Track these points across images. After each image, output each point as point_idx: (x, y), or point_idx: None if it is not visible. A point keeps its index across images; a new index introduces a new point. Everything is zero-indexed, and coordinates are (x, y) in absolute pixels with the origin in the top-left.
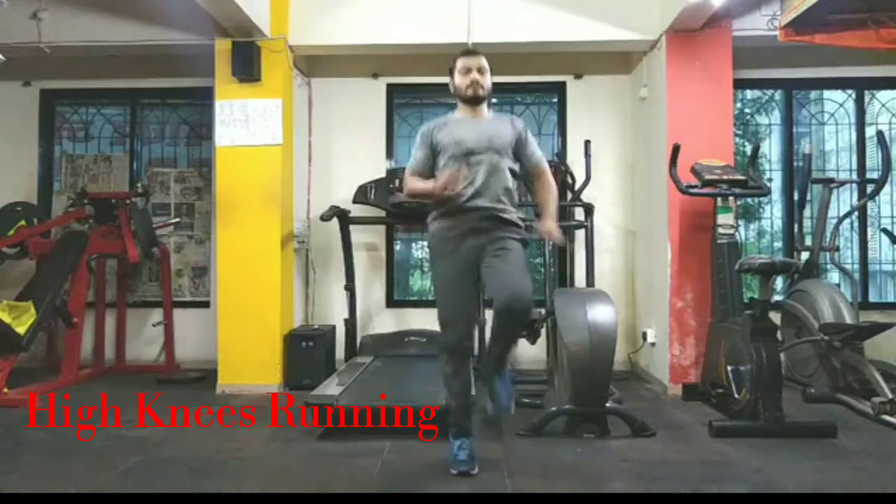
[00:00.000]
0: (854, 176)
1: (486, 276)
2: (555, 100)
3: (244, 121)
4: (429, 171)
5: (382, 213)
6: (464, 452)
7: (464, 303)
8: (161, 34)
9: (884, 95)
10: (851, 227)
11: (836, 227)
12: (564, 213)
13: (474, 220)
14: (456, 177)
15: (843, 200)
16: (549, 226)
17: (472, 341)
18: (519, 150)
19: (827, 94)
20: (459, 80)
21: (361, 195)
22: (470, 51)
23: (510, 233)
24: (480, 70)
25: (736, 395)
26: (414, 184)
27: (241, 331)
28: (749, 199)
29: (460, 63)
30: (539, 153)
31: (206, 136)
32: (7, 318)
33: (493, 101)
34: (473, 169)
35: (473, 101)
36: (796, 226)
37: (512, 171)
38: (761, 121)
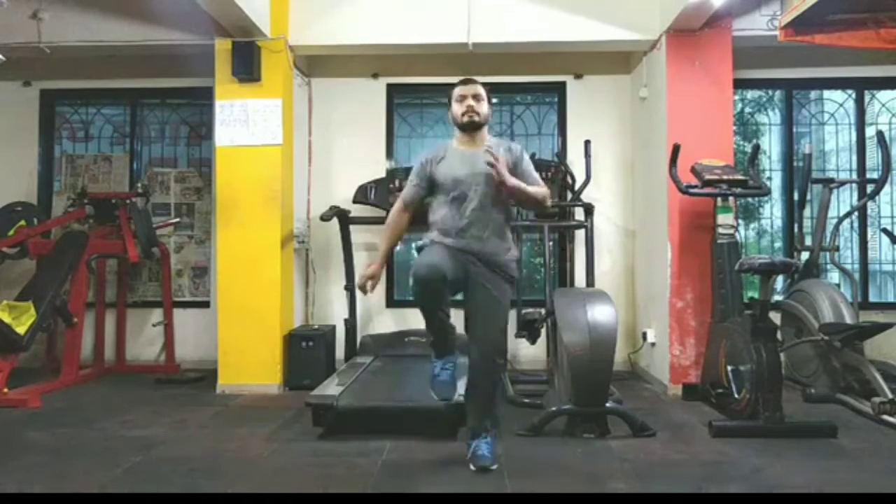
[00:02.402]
0: (854, 176)
1: (468, 307)
2: (555, 100)
3: (244, 121)
4: (420, 202)
5: (382, 213)
6: (446, 373)
7: (444, 258)
8: (161, 34)
9: (884, 95)
10: (851, 227)
11: (836, 227)
12: (564, 213)
13: (466, 255)
14: (369, 284)
15: (843, 200)
16: (505, 173)
17: (446, 273)
18: (516, 176)
19: (827, 94)
20: (455, 108)
21: (361, 195)
22: (466, 79)
23: (500, 272)
24: (476, 97)
25: (736, 395)
26: (386, 227)
27: (241, 331)
28: (749, 199)
29: (456, 91)
30: (535, 176)
31: (206, 136)
32: (7, 318)
33: (494, 100)
34: (467, 208)
35: (470, 128)
36: (796, 226)
37: (507, 204)
38: (761, 121)
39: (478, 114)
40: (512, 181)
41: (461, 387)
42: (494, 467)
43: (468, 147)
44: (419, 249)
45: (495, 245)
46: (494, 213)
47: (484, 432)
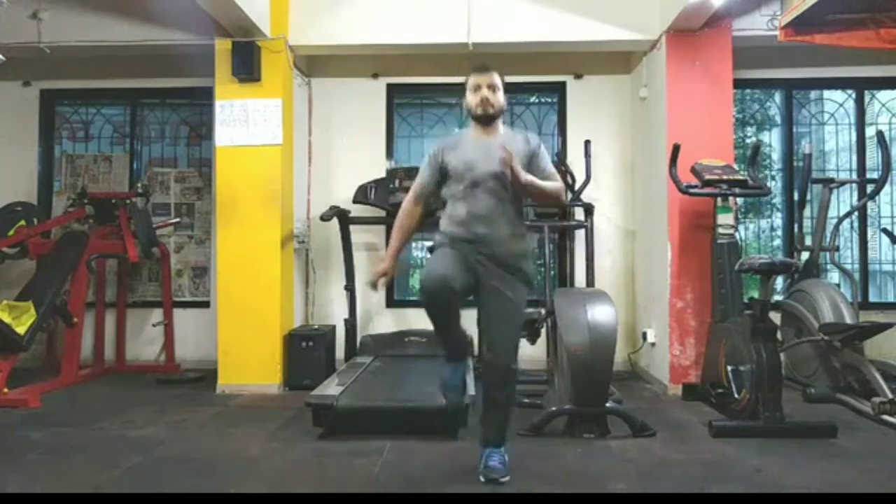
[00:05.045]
0: (854, 176)
1: (481, 310)
2: (555, 100)
3: (244, 121)
4: (433, 192)
5: (382, 213)
6: (456, 377)
7: (453, 266)
8: (161, 34)
9: (884, 95)
10: (851, 227)
11: (836, 227)
12: (564, 213)
13: (480, 250)
14: (381, 282)
15: (843, 200)
16: (518, 168)
17: (454, 286)
18: (532, 168)
19: (827, 94)
20: (470, 98)
21: (361, 195)
22: (481, 67)
23: (515, 273)
24: (491, 87)
25: (736, 395)
26: (396, 225)
27: (241, 331)
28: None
29: (471, 80)
30: (551, 168)
31: (206, 136)
32: (7, 318)
33: None
34: (481, 196)
35: (484, 120)
36: (796, 226)
37: (521, 196)
38: (761, 121)
39: (492, 105)
40: (525, 177)
41: (471, 387)
42: (505, 480)
43: (483, 136)
44: (431, 249)
45: (507, 240)
46: (508, 203)
47: (499, 443)
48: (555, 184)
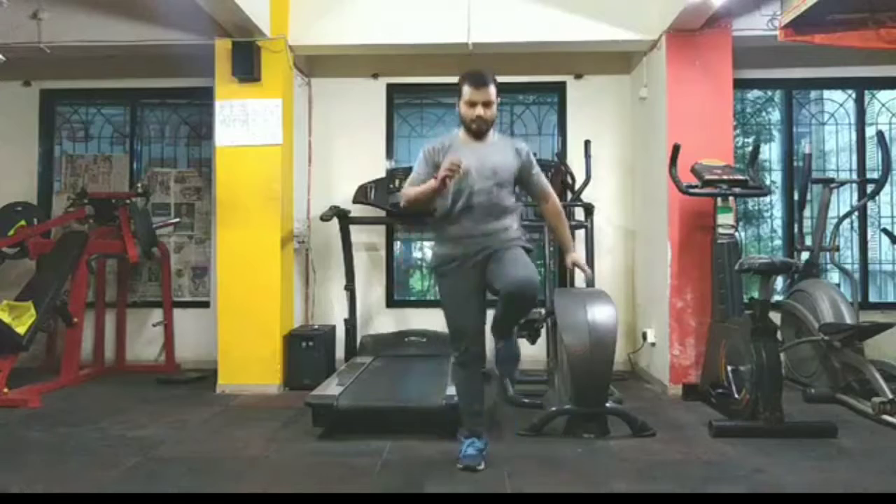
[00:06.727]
0: (854, 176)
1: (492, 273)
2: (555, 100)
3: (244, 121)
4: None
5: (382, 213)
6: (473, 449)
7: (473, 314)
8: (161, 34)
9: (884, 95)
10: (851, 227)
11: (836, 227)
12: (564, 214)
13: (476, 247)
14: (458, 161)
15: (843, 200)
16: (575, 258)
17: (483, 347)
18: (523, 178)
19: (827, 94)
20: (464, 110)
21: (361, 195)
22: (478, 77)
23: (513, 243)
24: (486, 104)
25: (736, 395)
26: (408, 190)
27: (241, 331)
28: (750, 200)
29: (466, 93)
30: (544, 179)
31: (206, 136)
32: (7, 318)
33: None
34: (474, 201)
35: (477, 135)
36: (796, 226)
37: (513, 197)
38: (761, 121)
39: (486, 122)
40: (578, 260)
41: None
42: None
43: (475, 144)
44: (433, 271)
45: (503, 234)
46: (501, 206)
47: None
48: (565, 219)
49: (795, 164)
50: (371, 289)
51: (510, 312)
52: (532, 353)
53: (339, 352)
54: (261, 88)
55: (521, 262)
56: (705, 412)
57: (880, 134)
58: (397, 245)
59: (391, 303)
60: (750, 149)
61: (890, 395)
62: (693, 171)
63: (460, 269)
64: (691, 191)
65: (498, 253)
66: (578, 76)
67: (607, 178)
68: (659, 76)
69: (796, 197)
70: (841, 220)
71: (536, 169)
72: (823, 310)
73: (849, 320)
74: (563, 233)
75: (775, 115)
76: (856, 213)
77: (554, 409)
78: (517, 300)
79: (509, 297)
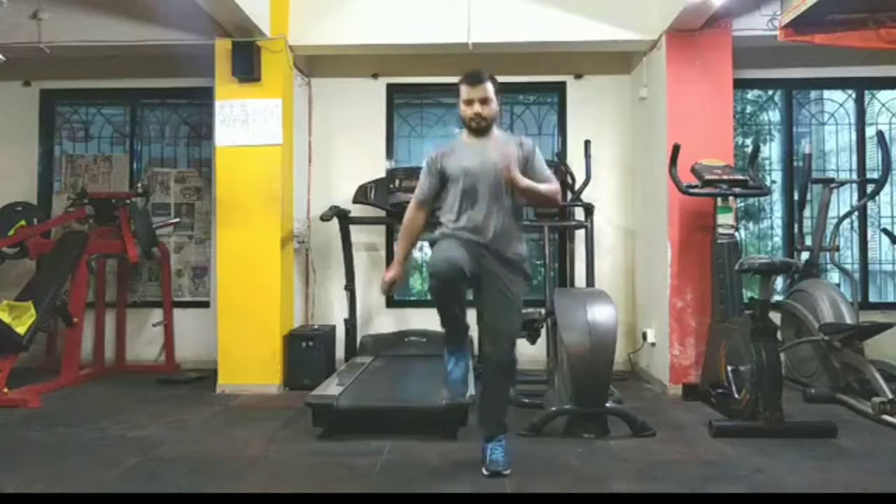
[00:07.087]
0: (854, 176)
1: (482, 301)
2: (555, 100)
3: (244, 121)
4: (434, 198)
5: (382, 213)
6: (459, 371)
7: (460, 250)
8: (161, 34)
9: (884, 95)
10: (851, 227)
11: (836, 227)
12: (564, 213)
13: (481, 242)
14: (393, 287)
15: (843, 200)
16: (517, 175)
17: (464, 269)
18: (527, 172)
19: (827, 94)
20: (463, 110)
21: (361, 195)
22: (473, 76)
23: (514, 270)
24: (483, 101)
25: (736, 395)
26: (401, 233)
27: (241, 331)
28: (750, 200)
29: (464, 92)
30: (548, 172)
31: (206, 136)
32: (7, 318)
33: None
34: (478, 201)
35: (477, 133)
36: (796, 226)
37: (518, 199)
38: (761, 121)
39: (485, 119)
40: (524, 182)
41: (471, 387)
42: (508, 472)
43: (478, 142)
44: (432, 243)
45: (505, 239)
46: (505, 206)
47: (499, 436)
48: (551, 186)
49: (795, 163)
50: (371, 289)
51: (490, 373)
52: (532, 353)
53: (339, 352)
54: (261, 88)
55: (513, 310)
56: (705, 412)
57: (880, 134)
58: (397, 245)
59: (391, 303)
60: (750, 149)
61: (890, 395)
62: (693, 171)
63: (462, 241)
64: (691, 191)
65: (496, 270)
66: (578, 76)
67: (607, 178)
68: (659, 76)
69: (796, 197)
70: (841, 220)
71: (538, 157)
72: (823, 310)
73: (849, 320)
74: (540, 185)
75: (775, 115)
76: (856, 213)
77: (554, 409)
78: (494, 363)
79: (487, 357)
